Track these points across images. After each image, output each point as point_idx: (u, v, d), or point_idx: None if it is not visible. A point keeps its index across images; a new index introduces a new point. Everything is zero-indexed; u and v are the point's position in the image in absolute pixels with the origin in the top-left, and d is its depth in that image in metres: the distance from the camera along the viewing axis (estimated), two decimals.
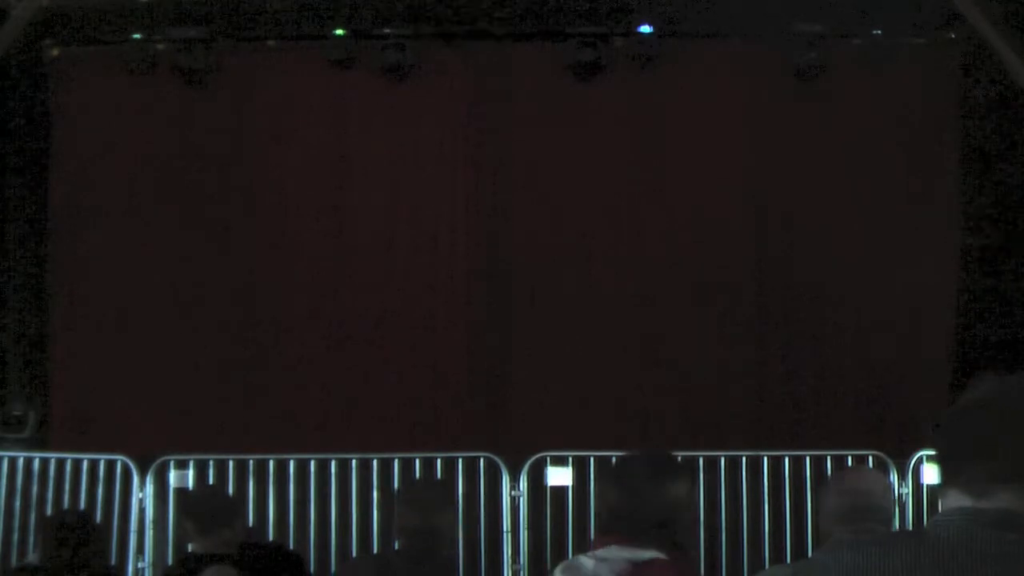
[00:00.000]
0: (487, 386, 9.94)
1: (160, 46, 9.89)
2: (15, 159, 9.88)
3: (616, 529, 3.61)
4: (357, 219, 10.11)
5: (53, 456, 8.90)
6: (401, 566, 4.67)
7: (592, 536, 3.74)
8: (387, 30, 9.88)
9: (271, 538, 8.43)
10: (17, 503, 8.71)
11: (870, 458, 8.69)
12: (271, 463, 8.82)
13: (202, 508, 5.28)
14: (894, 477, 8.62)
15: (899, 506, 8.62)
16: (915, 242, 9.80)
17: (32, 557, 6.59)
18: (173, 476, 8.63)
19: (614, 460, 4.22)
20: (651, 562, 3.49)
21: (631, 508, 3.60)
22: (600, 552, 3.54)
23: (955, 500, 1.95)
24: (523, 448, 8.85)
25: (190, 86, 9.92)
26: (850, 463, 8.61)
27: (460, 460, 8.76)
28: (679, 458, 4.07)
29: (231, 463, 8.74)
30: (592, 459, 8.18)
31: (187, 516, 5.32)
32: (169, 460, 8.65)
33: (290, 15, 9.91)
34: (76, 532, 5.34)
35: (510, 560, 8.61)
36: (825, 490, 3.97)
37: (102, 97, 9.97)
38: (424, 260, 10.08)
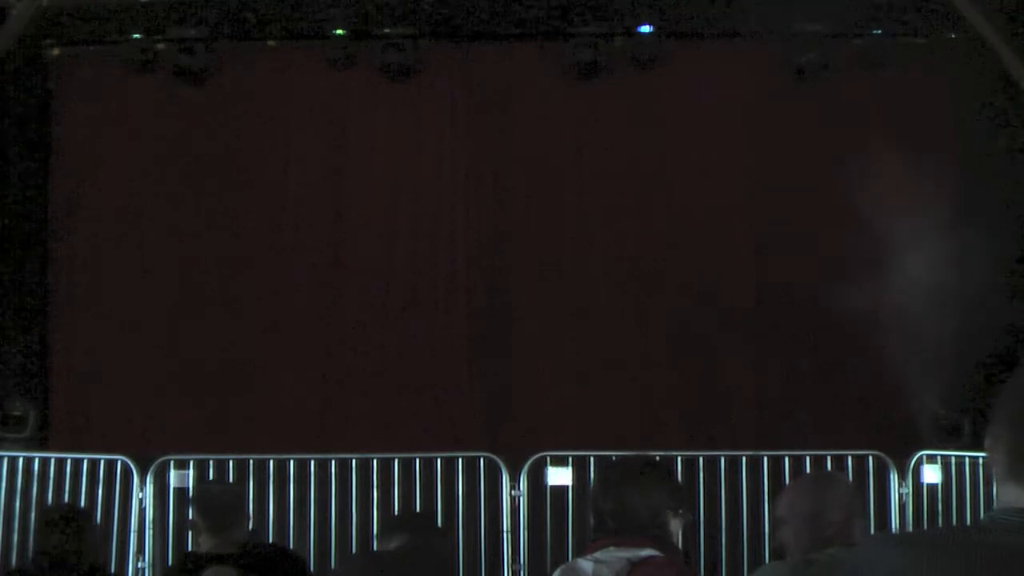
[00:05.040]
0: (487, 386, 9.94)
1: (160, 46, 9.89)
2: (15, 158, 9.88)
3: (611, 531, 3.62)
4: (357, 218, 10.12)
5: (53, 456, 8.90)
6: (397, 564, 4.69)
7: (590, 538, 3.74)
8: (387, 30, 9.88)
9: (271, 538, 8.43)
10: (17, 503, 8.71)
11: (870, 458, 8.70)
12: (271, 463, 8.83)
13: (215, 506, 5.25)
14: (894, 477, 8.63)
15: (899, 506, 8.62)
16: (915, 242, 9.79)
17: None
18: (173, 476, 8.63)
19: (614, 459, 4.24)
20: (648, 559, 3.51)
21: (617, 512, 3.62)
22: (598, 554, 3.55)
23: (1016, 497, 1.76)
24: (523, 448, 8.85)
25: (190, 86, 9.92)
26: (850, 463, 8.62)
27: (460, 460, 8.76)
28: (657, 460, 4.07)
29: (231, 463, 8.74)
30: (592, 459, 8.19)
31: (200, 512, 5.27)
32: (169, 460, 8.66)
33: (290, 15, 9.91)
34: (66, 526, 5.33)
35: (510, 560, 8.61)
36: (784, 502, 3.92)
37: (102, 97, 9.97)
38: (424, 259, 10.08)
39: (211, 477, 8.57)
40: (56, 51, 10.01)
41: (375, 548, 5.32)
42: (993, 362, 9.22)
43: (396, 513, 7.04)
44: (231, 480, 8.46)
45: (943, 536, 1.78)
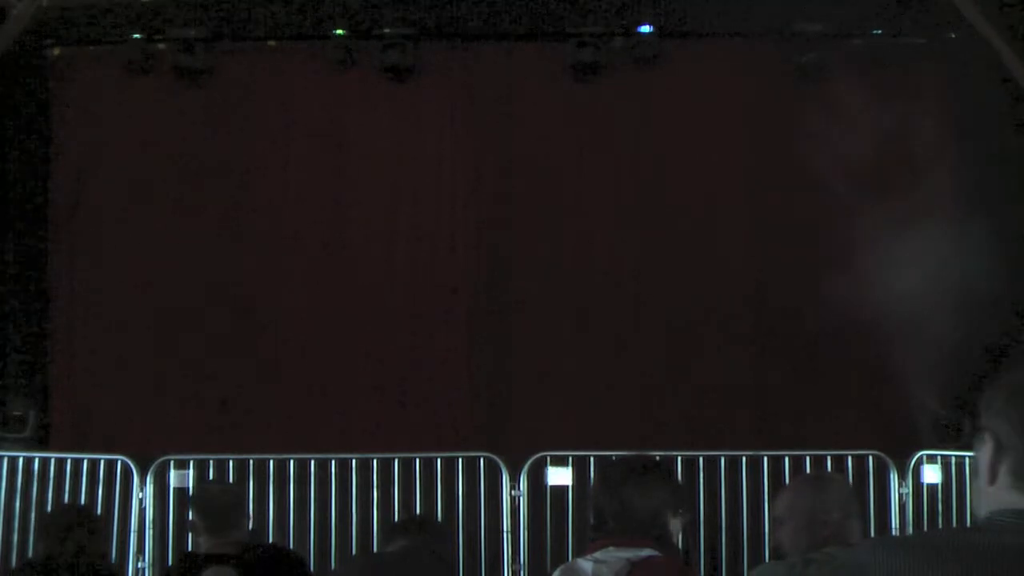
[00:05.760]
0: (487, 386, 9.93)
1: (160, 46, 9.89)
2: (15, 158, 9.88)
3: (611, 531, 3.62)
4: (357, 219, 10.11)
5: (53, 456, 8.90)
6: (396, 565, 4.69)
7: (590, 538, 3.74)
8: (387, 30, 9.88)
9: (271, 538, 8.43)
10: (17, 503, 8.70)
11: (870, 458, 8.70)
12: (271, 463, 8.83)
13: (214, 506, 5.25)
14: (894, 477, 8.62)
15: (899, 506, 8.62)
16: (915, 241, 9.79)
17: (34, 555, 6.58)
18: (173, 476, 8.63)
19: (614, 459, 4.24)
20: (648, 559, 3.51)
21: (617, 512, 3.62)
22: (598, 554, 3.55)
23: (1016, 500, 1.75)
24: (523, 448, 8.85)
25: (190, 86, 9.92)
26: (850, 463, 8.62)
27: (460, 460, 8.76)
28: (657, 460, 4.07)
29: (231, 463, 8.74)
30: (592, 459, 8.18)
31: (199, 513, 5.27)
32: (169, 460, 8.66)
33: (290, 15, 9.91)
34: (79, 526, 5.34)
35: (510, 560, 8.61)
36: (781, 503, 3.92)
37: (102, 97, 9.97)
38: (424, 260, 10.08)
39: (211, 477, 8.57)
40: (56, 51, 10.01)
41: (376, 550, 5.33)
42: (994, 362, 9.21)
43: (397, 519, 7.03)
44: (231, 480, 8.46)
45: (940, 538, 1.78)
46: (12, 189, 9.87)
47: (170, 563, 7.84)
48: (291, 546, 7.99)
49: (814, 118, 9.82)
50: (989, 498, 1.79)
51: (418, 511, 8.44)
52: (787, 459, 8.64)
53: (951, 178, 9.79)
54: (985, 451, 1.80)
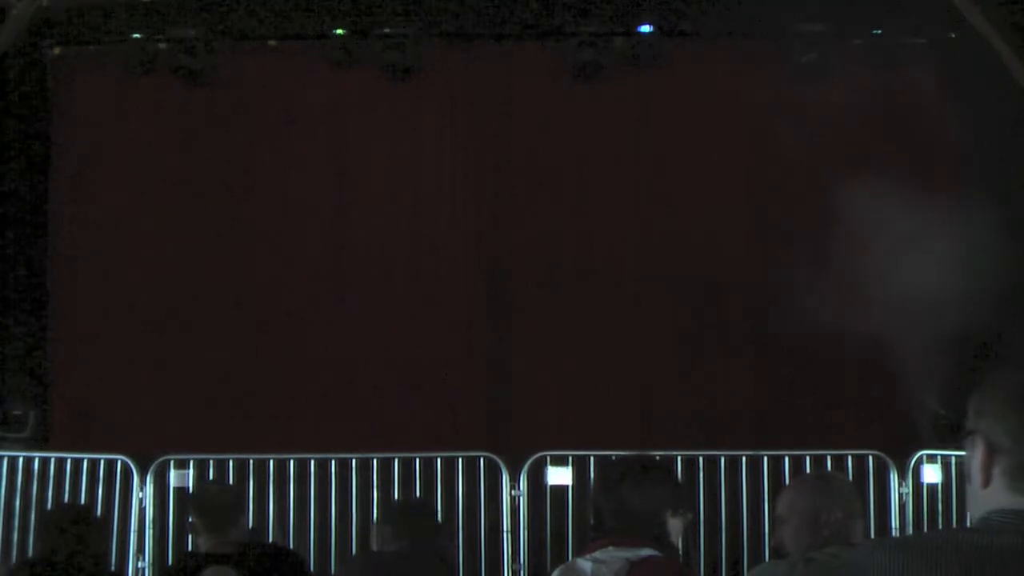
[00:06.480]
0: (487, 386, 9.94)
1: (160, 46, 9.89)
2: (15, 158, 9.88)
3: (610, 531, 3.62)
4: (357, 219, 10.12)
5: (53, 456, 8.90)
6: (397, 565, 4.70)
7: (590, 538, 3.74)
8: (387, 30, 9.89)
9: (271, 538, 8.43)
10: (17, 503, 8.71)
11: (870, 458, 8.70)
12: (271, 463, 8.83)
13: (213, 505, 5.25)
14: (894, 477, 8.62)
15: (899, 506, 8.62)
16: (915, 241, 9.79)
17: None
18: (173, 476, 8.64)
19: (613, 459, 4.25)
20: (647, 559, 3.51)
21: (617, 512, 3.62)
22: (598, 554, 3.55)
23: (1010, 500, 1.75)
24: (523, 448, 8.85)
25: (190, 86, 9.92)
26: (850, 463, 8.62)
27: (460, 460, 8.77)
28: (657, 460, 4.08)
29: (231, 463, 8.75)
30: (592, 459, 8.19)
31: (197, 512, 5.27)
32: (169, 460, 8.66)
33: (290, 15, 9.91)
34: (77, 525, 5.34)
35: (510, 560, 8.62)
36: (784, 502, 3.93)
37: (102, 97, 9.98)
38: (424, 260, 10.08)
39: (211, 477, 8.57)
40: (56, 51, 10.01)
41: (374, 540, 5.32)
42: (994, 362, 9.20)
43: (397, 507, 6.95)
44: (231, 480, 8.47)
45: (939, 538, 1.78)
46: (12, 189, 9.87)
47: (170, 563, 7.85)
48: (291, 546, 7.99)
49: (814, 118, 9.83)
50: (984, 500, 1.78)
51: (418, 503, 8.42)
52: (787, 459, 8.64)
53: (951, 178, 9.79)
54: (977, 454, 1.79)
